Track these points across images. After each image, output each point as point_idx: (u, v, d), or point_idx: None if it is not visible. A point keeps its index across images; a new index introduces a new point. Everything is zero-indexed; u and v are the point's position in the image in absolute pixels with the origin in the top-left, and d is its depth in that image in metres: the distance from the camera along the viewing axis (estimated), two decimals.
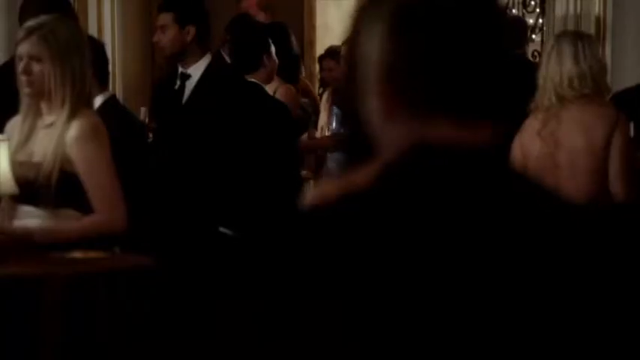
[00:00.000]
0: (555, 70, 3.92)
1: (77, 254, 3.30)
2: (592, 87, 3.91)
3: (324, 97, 5.59)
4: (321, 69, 6.47)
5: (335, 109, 5.42)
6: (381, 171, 1.18)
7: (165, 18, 4.44)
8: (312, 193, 1.67)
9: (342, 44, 1.54)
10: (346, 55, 1.38)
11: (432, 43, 1.19)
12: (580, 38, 4.04)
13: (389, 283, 1.09)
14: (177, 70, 4.47)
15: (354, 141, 1.40)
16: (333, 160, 5.55)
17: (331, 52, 6.49)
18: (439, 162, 1.18)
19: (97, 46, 4.19)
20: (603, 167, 3.90)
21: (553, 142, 3.93)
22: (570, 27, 6.10)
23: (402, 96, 1.21)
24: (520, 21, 6.12)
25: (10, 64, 4.43)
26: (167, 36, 4.41)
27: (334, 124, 5.44)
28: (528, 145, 4.00)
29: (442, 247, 1.11)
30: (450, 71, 1.20)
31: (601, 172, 3.90)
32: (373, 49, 1.23)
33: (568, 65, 3.91)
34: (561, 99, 3.91)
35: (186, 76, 4.41)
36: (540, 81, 3.99)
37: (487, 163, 1.20)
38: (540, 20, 6.65)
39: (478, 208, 1.15)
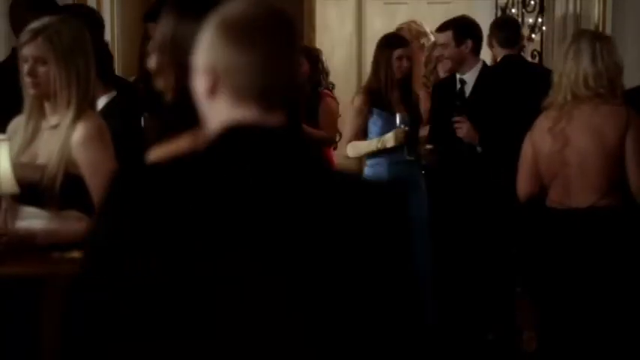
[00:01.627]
0: (572, 67, 3.92)
1: (77, 254, 3.30)
2: (607, 87, 3.91)
3: (356, 103, 5.41)
4: None
5: (375, 111, 5.30)
6: (205, 141, 1.68)
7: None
8: (154, 153, 2.19)
9: (164, 39, 2.29)
10: (176, 49, 2.17)
11: (244, 50, 1.68)
12: (599, 39, 4.05)
13: (195, 216, 1.61)
14: None
15: (185, 112, 1.98)
16: (371, 166, 5.40)
17: (300, 49, 6.62)
18: (247, 137, 1.67)
19: (101, 46, 4.15)
20: (614, 166, 3.90)
21: (563, 140, 3.94)
22: (570, 27, 6.12)
23: (222, 86, 1.69)
24: (512, 21, 6.16)
25: (6, 64, 4.44)
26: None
27: (378, 127, 5.30)
28: (539, 142, 4.01)
29: (235, 193, 1.62)
30: (254, 71, 1.68)
31: (611, 172, 3.90)
32: (203, 51, 1.72)
33: (585, 64, 3.91)
34: (576, 97, 3.91)
35: None
36: (556, 78, 3.99)
37: (280, 138, 1.69)
38: (540, 20, 6.65)
39: (268, 168, 1.65)
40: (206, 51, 1.72)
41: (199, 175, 1.65)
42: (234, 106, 1.70)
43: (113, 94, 4.07)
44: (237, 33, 1.69)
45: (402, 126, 5.18)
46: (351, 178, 1.82)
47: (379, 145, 5.25)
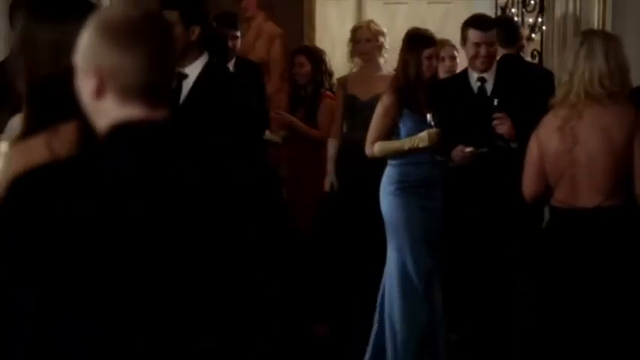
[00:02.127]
0: (585, 67, 3.90)
1: None
2: (620, 85, 3.90)
3: (386, 102, 5.28)
4: (293, 64, 6.54)
5: (406, 111, 5.20)
6: (100, 139, 1.81)
7: (170, 16, 4.37)
8: (17, 159, 2.19)
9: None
10: (28, 48, 2.21)
11: (128, 51, 1.80)
12: (610, 38, 4.04)
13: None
14: None
15: (41, 111, 2.18)
16: (395, 166, 5.28)
17: (302, 49, 6.67)
18: (137, 133, 1.80)
19: None
20: (622, 167, 3.89)
21: (572, 139, 3.92)
22: (570, 27, 6.12)
23: (109, 86, 1.81)
24: (510, 21, 6.15)
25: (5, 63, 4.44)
26: None
27: (407, 127, 5.21)
28: (546, 141, 3.99)
29: (132, 189, 1.73)
30: (139, 71, 1.81)
31: (619, 172, 3.89)
32: (86, 53, 1.83)
33: (599, 63, 3.88)
34: (588, 96, 3.89)
35: (183, 76, 4.39)
36: (565, 77, 3.96)
37: (166, 132, 1.85)
38: (540, 20, 6.65)
39: (156, 161, 1.77)
40: (90, 53, 1.83)
41: (93, 176, 1.74)
42: (121, 105, 1.82)
43: None
44: (120, 35, 1.82)
45: (432, 125, 5.12)
46: (228, 160, 1.96)
47: (412, 146, 5.15)
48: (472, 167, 5.07)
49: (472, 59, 5.22)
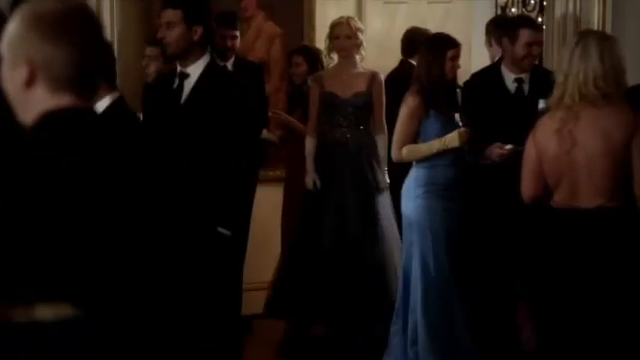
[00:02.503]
0: (579, 67, 3.88)
1: None
2: (615, 86, 3.88)
3: (411, 104, 5.18)
4: (290, 64, 6.53)
5: (433, 112, 5.12)
6: (29, 128, 1.87)
7: (173, 15, 4.36)
8: None
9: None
10: None
11: (59, 43, 1.87)
12: (605, 39, 4.02)
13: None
14: (175, 69, 4.46)
15: None
16: (422, 167, 5.20)
17: (300, 49, 6.63)
18: (64, 121, 1.87)
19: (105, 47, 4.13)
20: (621, 168, 3.88)
21: (571, 141, 3.90)
22: (570, 27, 6.12)
23: (40, 77, 1.88)
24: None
25: None
26: (173, 33, 4.36)
27: (436, 128, 5.13)
28: (543, 144, 3.97)
29: (70, 174, 1.79)
30: (70, 62, 1.88)
31: (618, 173, 3.88)
32: (17, 44, 1.89)
33: (593, 64, 3.86)
34: (583, 98, 3.88)
35: (185, 75, 4.39)
36: (560, 78, 3.95)
37: (95, 120, 1.94)
38: (540, 20, 6.65)
39: (84, 148, 1.84)
40: (20, 44, 1.89)
41: (22, 163, 1.80)
42: (50, 95, 1.89)
43: (116, 94, 4.06)
44: (50, 27, 1.88)
45: (460, 125, 5.10)
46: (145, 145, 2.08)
47: (442, 147, 5.09)
48: (501, 167, 5.01)
49: (522, 59, 5.19)
